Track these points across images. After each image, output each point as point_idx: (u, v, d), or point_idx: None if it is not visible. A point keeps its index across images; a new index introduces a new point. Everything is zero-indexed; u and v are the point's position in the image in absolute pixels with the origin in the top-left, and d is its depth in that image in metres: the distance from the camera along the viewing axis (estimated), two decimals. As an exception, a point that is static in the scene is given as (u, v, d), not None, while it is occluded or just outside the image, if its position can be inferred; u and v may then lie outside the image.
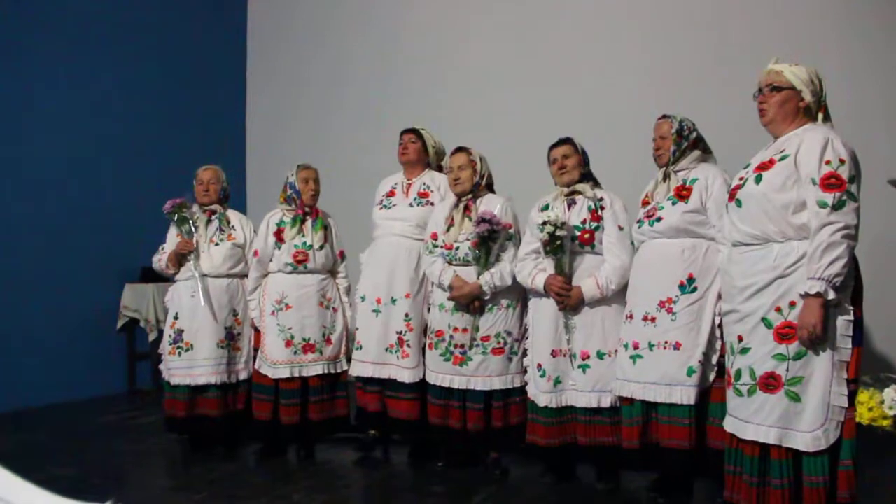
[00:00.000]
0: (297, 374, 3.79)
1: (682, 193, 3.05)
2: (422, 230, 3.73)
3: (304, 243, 3.85)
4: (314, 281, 3.87)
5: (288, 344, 3.80)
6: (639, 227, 3.16)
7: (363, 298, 3.79)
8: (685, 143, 3.13)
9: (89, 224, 5.57)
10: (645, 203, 3.22)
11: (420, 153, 3.88)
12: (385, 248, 3.78)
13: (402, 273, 3.70)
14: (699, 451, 2.94)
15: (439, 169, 3.94)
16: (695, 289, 2.96)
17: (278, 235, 3.88)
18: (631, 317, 3.12)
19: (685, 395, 2.93)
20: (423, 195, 3.82)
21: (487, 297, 3.46)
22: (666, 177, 3.15)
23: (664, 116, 3.21)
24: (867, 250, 2.97)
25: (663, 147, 3.16)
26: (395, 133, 4.01)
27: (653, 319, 3.02)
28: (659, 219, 3.06)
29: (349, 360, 3.89)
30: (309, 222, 3.90)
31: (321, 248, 3.87)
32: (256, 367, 3.90)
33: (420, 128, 3.93)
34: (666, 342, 2.98)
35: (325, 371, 3.84)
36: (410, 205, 3.80)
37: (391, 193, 3.89)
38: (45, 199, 5.33)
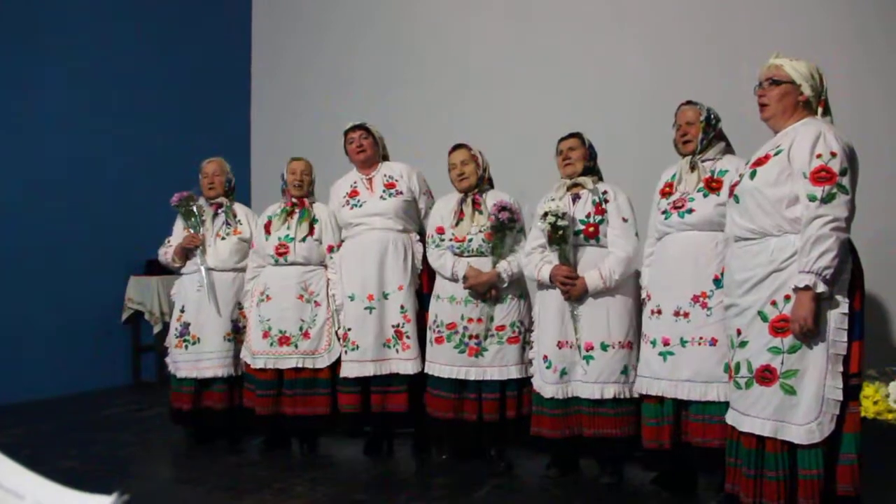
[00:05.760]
0: (270, 366, 3.79)
1: (713, 185, 2.98)
2: (400, 221, 3.76)
3: (287, 236, 3.86)
4: (295, 273, 3.84)
5: (265, 335, 3.81)
6: (665, 219, 3.07)
7: (352, 297, 3.72)
8: (712, 132, 3.08)
9: (94, 217, 5.58)
10: (665, 193, 3.14)
11: (373, 147, 3.88)
12: (370, 244, 3.73)
13: (393, 266, 3.70)
14: None
15: (385, 158, 3.96)
16: None
17: (267, 228, 3.91)
18: (659, 312, 3.05)
19: (722, 391, 2.83)
20: (390, 186, 3.81)
21: (505, 285, 3.51)
22: (693, 167, 3.07)
23: (689, 102, 3.14)
24: (870, 244, 2.96)
25: (690, 133, 3.08)
26: (400, 128, 4.01)
27: (686, 315, 2.96)
28: (690, 210, 2.99)
29: (339, 358, 3.79)
30: (296, 214, 3.91)
31: (303, 240, 3.85)
32: (241, 356, 3.94)
33: (363, 122, 3.91)
34: (701, 338, 2.92)
35: (300, 365, 3.78)
36: (381, 197, 3.78)
37: (354, 193, 3.84)
38: (50, 192, 5.34)
